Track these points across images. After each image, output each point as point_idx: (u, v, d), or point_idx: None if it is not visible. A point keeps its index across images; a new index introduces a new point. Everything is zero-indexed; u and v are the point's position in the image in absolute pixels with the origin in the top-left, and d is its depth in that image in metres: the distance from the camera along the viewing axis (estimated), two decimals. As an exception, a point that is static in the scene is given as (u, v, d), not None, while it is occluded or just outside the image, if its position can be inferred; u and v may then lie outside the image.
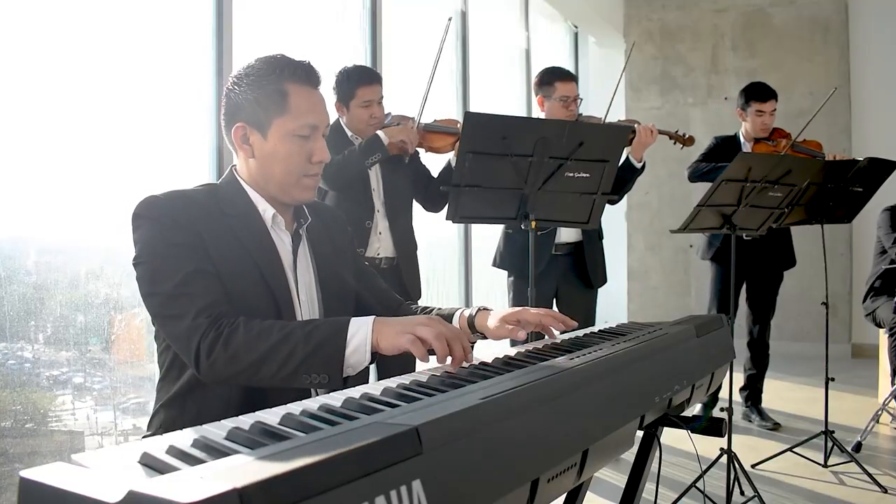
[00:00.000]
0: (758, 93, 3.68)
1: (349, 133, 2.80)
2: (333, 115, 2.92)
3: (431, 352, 1.14)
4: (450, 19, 2.81)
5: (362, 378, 1.21)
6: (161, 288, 1.25)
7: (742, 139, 3.79)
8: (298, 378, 1.18)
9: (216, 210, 1.35)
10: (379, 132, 2.66)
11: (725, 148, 3.74)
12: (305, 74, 1.36)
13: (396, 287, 2.78)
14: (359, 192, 2.74)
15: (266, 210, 1.40)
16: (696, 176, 3.72)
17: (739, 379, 3.82)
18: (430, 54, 2.86)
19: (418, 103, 2.84)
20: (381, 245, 2.77)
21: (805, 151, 3.62)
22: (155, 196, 1.31)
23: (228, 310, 1.25)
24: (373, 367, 1.32)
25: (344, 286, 1.51)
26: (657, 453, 1.36)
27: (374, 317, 1.20)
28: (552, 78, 3.12)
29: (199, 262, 1.27)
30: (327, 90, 2.72)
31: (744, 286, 3.86)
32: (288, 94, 1.33)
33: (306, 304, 1.43)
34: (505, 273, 3.29)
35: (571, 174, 2.30)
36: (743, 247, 3.51)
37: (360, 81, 2.72)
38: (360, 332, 1.18)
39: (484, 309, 1.43)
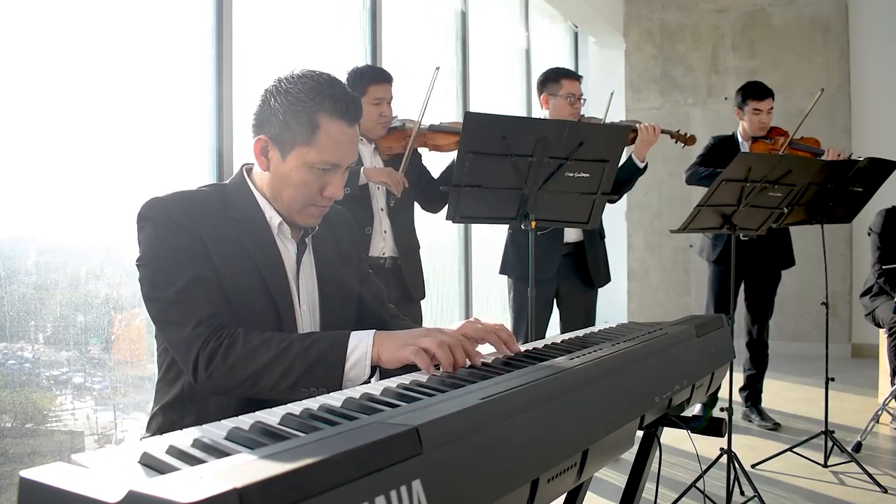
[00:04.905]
0: (755, 91, 3.68)
1: None
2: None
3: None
4: (437, 69, 2.81)
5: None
6: (162, 293, 1.25)
7: (740, 138, 3.78)
8: (297, 391, 1.18)
9: (221, 213, 1.34)
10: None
11: (723, 148, 3.73)
12: (344, 109, 1.30)
13: (398, 286, 2.79)
14: (357, 196, 2.74)
15: (273, 217, 1.39)
16: (694, 179, 3.71)
17: (739, 379, 3.82)
18: (429, 55, 2.85)
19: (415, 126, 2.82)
20: (385, 244, 2.79)
21: (804, 149, 3.61)
22: (159, 197, 1.30)
23: (229, 320, 1.25)
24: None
25: (346, 291, 1.49)
26: (657, 453, 1.36)
27: (374, 330, 1.20)
28: (558, 76, 3.11)
29: (201, 269, 1.26)
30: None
31: (742, 286, 3.85)
32: (319, 128, 1.28)
33: (307, 313, 1.42)
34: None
35: (571, 174, 2.30)
36: (742, 247, 3.50)
37: (372, 79, 2.75)
38: (361, 346, 1.18)
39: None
